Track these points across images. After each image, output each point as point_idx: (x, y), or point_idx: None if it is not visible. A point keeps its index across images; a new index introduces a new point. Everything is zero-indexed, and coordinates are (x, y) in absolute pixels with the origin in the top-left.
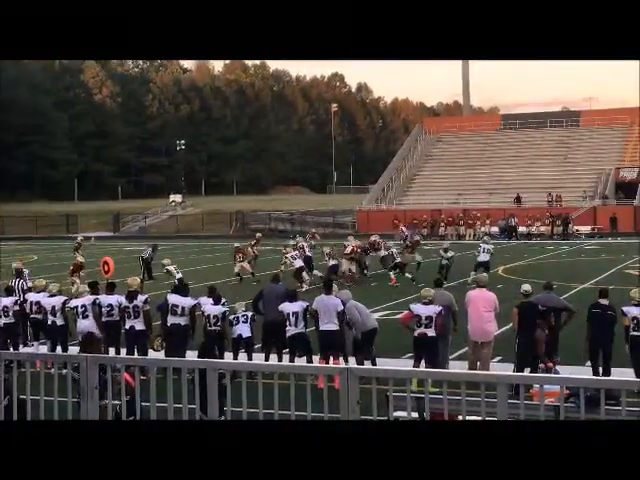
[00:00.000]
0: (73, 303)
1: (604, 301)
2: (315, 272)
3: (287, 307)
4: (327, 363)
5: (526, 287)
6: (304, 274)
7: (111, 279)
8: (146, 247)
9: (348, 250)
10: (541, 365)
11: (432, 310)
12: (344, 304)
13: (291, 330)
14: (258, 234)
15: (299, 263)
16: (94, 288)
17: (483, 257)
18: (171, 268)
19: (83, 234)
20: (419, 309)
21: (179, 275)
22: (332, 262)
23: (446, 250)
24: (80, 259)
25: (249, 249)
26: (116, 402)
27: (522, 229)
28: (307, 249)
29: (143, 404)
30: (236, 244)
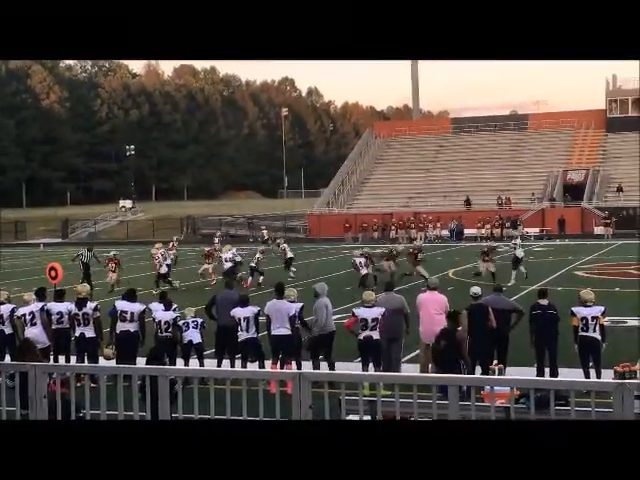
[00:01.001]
0: (20, 311)
1: (544, 301)
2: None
3: (238, 312)
4: (280, 368)
5: (475, 289)
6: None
7: (60, 286)
8: (83, 250)
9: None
10: (492, 367)
11: (377, 312)
12: (318, 295)
13: (243, 335)
14: (216, 239)
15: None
16: (41, 295)
17: (519, 253)
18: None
19: (31, 241)
20: (364, 313)
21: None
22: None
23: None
24: None
25: (214, 253)
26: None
27: (472, 231)
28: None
29: (93, 412)
30: (206, 248)
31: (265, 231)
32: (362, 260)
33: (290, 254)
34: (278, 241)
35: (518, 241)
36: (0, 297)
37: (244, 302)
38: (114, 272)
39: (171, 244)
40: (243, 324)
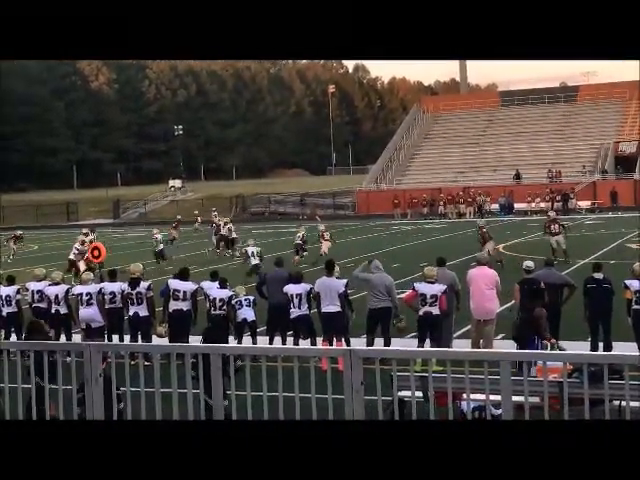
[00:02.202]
0: (77, 290)
1: (598, 275)
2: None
3: (291, 289)
4: (330, 345)
5: (528, 263)
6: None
7: (110, 266)
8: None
9: None
10: (544, 342)
11: (437, 289)
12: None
13: (295, 312)
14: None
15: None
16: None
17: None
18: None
19: (84, 222)
20: (424, 288)
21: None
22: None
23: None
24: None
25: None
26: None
27: (522, 206)
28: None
29: (147, 390)
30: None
31: (214, 214)
32: (254, 250)
33: (234, 235)
34: (225, 220)
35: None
36: (55, 278)
37: (297, 279)
38: None
39: (173, 225)
40: (295, 301)
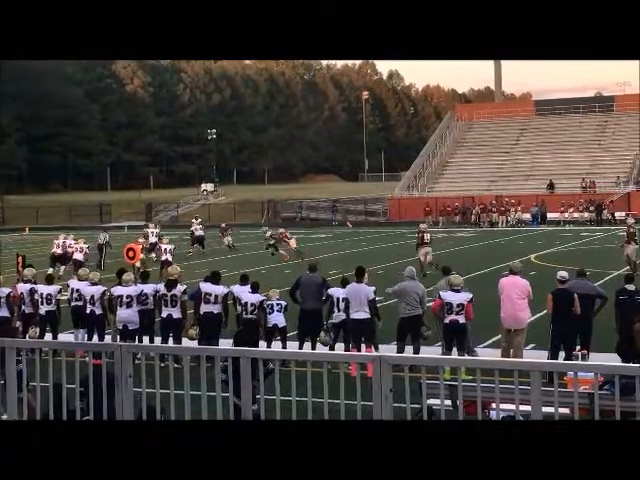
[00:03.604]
0: (117, 291)
1: (630, 286)
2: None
3: (338, 292)
4: (359, 351)
5: (563, 273)
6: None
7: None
8: (101, 233)
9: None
10: (575, 352)
11: (463, 297)
12: (410, 278)
13: (340, 316)
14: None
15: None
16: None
17: None
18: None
19: (116, 223)
20: (450, 296)
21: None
22: None
23: None
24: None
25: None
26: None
27: (555, 215)
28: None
29: (176, 392)
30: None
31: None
32: (169, 247)
33: (201, 232)
34: (193, 220)
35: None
36: (93, 278)
37: (345, 282)
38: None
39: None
40: (342, 305)
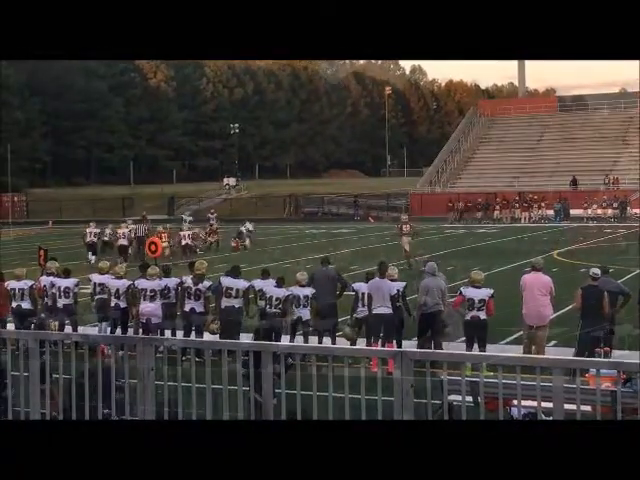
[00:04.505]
0: (142, 285)
1: None
2: None
3: (362, 287)
4: (383, 346)
5: (596, 270)
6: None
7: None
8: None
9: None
10: (598, 350)
11: (484, 293)
12: (431, 274)
13: (363, 311)
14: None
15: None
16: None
17: None
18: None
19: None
20: (471, 293)
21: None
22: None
23: None
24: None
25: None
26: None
27: (578, 212)
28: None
29: (197, 386)
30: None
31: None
32: (188, 233)
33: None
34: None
35: None
36: (119, 272)
37: (370, 277)
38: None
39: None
40: (366, 300)
